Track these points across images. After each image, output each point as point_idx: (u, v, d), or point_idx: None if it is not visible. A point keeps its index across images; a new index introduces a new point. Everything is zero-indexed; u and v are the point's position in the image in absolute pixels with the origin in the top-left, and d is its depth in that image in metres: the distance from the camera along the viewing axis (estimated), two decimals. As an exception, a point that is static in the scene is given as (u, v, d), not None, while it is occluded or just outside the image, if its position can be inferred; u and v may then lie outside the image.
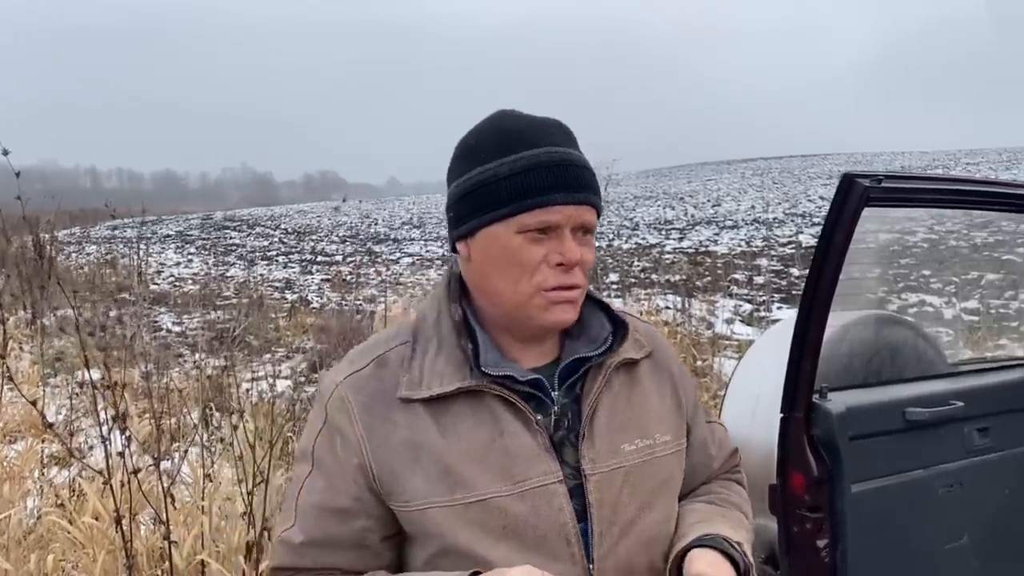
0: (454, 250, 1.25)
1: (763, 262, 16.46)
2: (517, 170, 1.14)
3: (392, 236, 29.21)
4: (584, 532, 1.19)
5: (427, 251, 24.95)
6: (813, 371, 2.28)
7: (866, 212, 2.21)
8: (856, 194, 2.15)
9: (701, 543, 1.23)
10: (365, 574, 1.20)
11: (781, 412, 2.30)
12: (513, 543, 1.15)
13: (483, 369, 1.17)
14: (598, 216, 1.21)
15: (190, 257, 24.40)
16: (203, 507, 3.07)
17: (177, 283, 18.07)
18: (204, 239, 29.30)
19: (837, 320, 2.63)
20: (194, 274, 19.68)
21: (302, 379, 8.04)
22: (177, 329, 11.52)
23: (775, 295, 12.96)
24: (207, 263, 22.28)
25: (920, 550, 2.48)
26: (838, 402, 2.34)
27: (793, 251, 17.83)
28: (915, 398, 2.50)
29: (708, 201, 32.24)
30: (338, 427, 1.19)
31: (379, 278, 17.12)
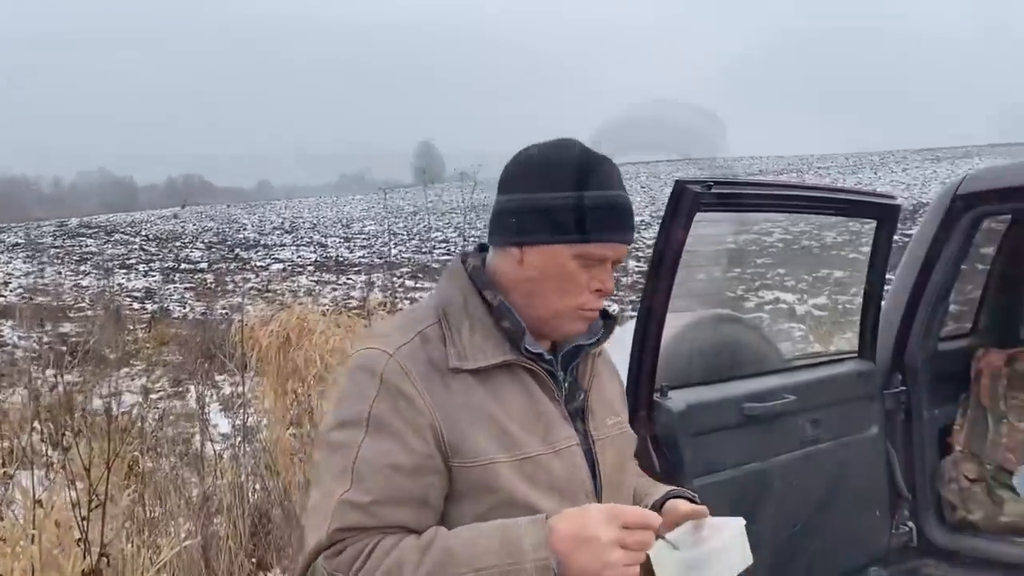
0: (491, 245, 1.42)
1: (631, 263, 16.92)
2: (591, 206, 1.32)
3: (262, 242, 28.37)
4: (594, 489, 1.40)
5: (299, 257, 24.36)
6: (653, 371, 2.34)
7: (699, 216, 2.29)
8: (687, 200, 2.23)
9: (673, 496, 1.51)
10: (426, 531, 1.27)
11: None
12: (555, 496, 1.32)
13: (525, 347, 1.36)
14: None
15: (41, 267, 22.94)
16: (33, 535, 2.87)
17: (26, 295, 16.94)
18: (57, 247, 27.60)
19: (679, 320, 2.72)
20: (45, 284, 18.50)
21: (160, 394, 7.69)
22: (24, 344, 10.79)
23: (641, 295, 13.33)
24: (60, 272, 21.01)
25: (759, 539, 2.59)
26: (679, 400, 2.42)
27: (660, 252, 18.37)
28: (752, 394, 2.61)
29: (580, 204, 32.80)
30: (400, 391, 1.29)
31: (247, 285, 16.59)
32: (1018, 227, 3.95)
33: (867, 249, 3.01)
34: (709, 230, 2.61)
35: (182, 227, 32.90)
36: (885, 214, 2.92)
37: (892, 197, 2.97)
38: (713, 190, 2.25)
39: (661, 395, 2.39)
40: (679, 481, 2.38)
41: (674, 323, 2.55)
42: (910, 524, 3.07)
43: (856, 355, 3.07)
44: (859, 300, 3.03)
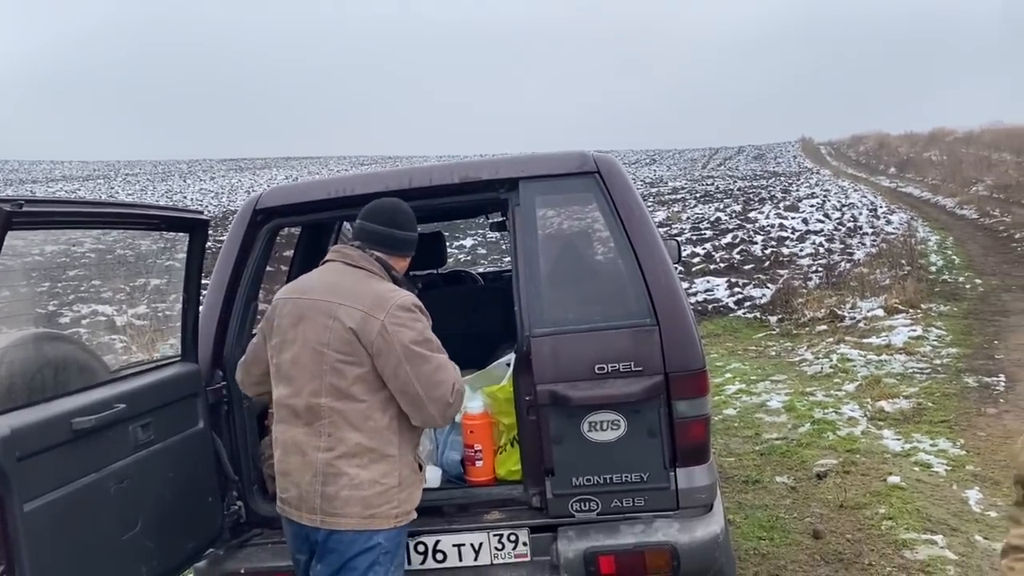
0: (388, 253, 2.91)
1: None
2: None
3: None
4: None
5: None
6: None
7: (11, 236, 2.24)
8: (-4, 218, 2.16)
9: None
10: None
11: None
12: None
13: None
14: None
15: None
16: None
17: None
18: None
19: (-7, 344, 2.58)
20: None
21: None
22: None
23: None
24: None
25: (99, 548, 2.64)
26: (3, 425, 2.33)
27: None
28: (80, 408, 2.63)
29: None
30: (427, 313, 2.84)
31: None
32: (308, 232, 4.68)
33: (183, 256, 3.26)
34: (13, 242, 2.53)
35: None
36: (196, 227, 3.21)
37: (200, 212, 3.27)
38: (25, 208, 2.23)
39: (-21, 424, 2.27)
40: (8, 509, 2.30)
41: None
42: (239, 503, 3.43)
43: (180, 358, 3.30)
44: (179, 307, 3.25)
